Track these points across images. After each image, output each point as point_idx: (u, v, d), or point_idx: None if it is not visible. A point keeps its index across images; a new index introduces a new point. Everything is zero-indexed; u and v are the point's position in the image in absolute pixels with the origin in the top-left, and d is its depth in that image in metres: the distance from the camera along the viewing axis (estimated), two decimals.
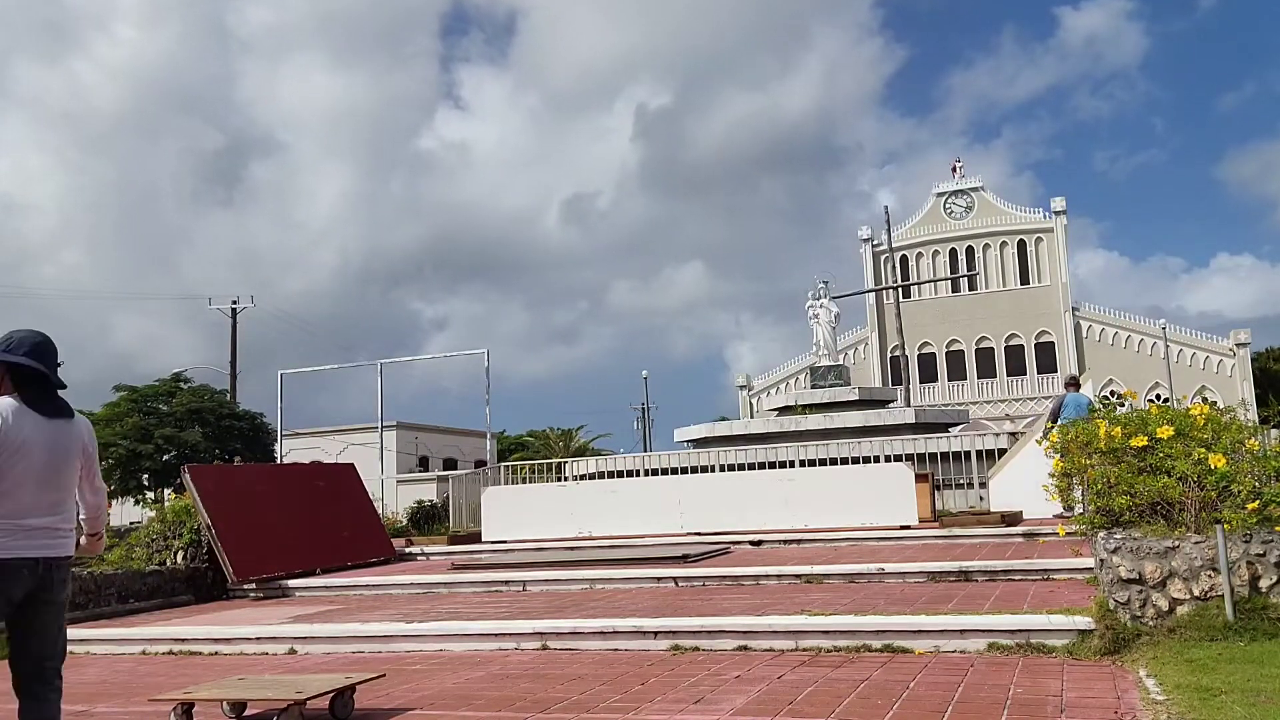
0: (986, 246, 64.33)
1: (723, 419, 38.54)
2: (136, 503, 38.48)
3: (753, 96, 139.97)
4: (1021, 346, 62.53)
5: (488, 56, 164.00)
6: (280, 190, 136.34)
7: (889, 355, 63.67)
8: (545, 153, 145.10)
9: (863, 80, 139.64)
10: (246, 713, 5.56)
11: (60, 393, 4.05)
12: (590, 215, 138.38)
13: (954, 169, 67.09)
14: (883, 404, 25.45)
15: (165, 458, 37.35)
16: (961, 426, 22.21)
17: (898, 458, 15.76)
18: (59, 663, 3.99)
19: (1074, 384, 14.34)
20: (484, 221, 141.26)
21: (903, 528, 12.73)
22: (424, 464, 50.05)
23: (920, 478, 13.65)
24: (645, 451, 31.81)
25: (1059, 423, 11.78)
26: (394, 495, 26.02)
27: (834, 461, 16.12)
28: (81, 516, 4.24)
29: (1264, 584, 6.13)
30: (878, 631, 6.74)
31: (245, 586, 11.55)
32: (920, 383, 60.84)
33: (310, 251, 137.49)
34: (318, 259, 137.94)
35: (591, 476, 19.38)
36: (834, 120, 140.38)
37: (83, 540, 4.30)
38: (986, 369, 63.25)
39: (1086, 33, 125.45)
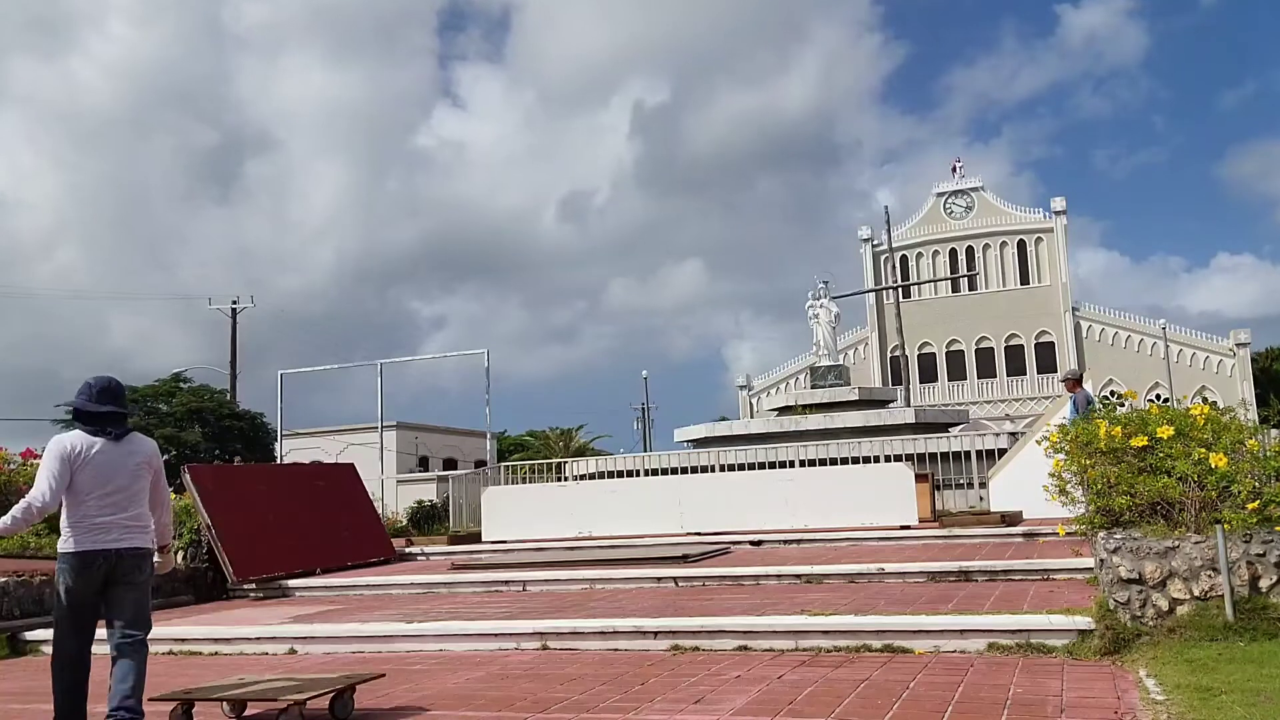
0: (986, 246, 64.37)
1: (723, 419, 38.59)
2: None
3: (751, 93, 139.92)
4: (1021, 346, 62.56)
5: (485, 54, 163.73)
6: (276, 188, 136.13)
7: (889, 355, 63.69)
8: (542, 150, 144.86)
9: (862, 77, 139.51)
10: (246, 713, 5.56)
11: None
12: (587, 213, 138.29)
13: (954, 169, 67.16)
14: (883, 404, 25.48)
15: (165, 458, 37.33)
16: (961, 426, 22.22)
17: (898, 458, 15.77)
18: (143, 633, 5.10)
19: (1078, 381, 14.00)
20: (481, 220, 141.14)
21: (903, 528, 12.73)
22: (424, 464, 50.01)
23: (920, 478, 13.65)
24: (645, 451, 31.81)
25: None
26: (394, 495, 25.99)
27: (834, 461, 16.13)
28: (153, 530, 5.19)
29: (1264, 584, 6.13)
30: (878, 631, 6.74)
31: (245, 586, 11.55)
32: (920, 383, 60.85)
33: (306, 250, 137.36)
34: (314, 257, 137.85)
35: (591, 476, 19.39)
36: (833, 117, 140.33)
37: (156, 560, 5.28)
38: (986, 369, 63.27)
39: (1087, 30, 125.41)
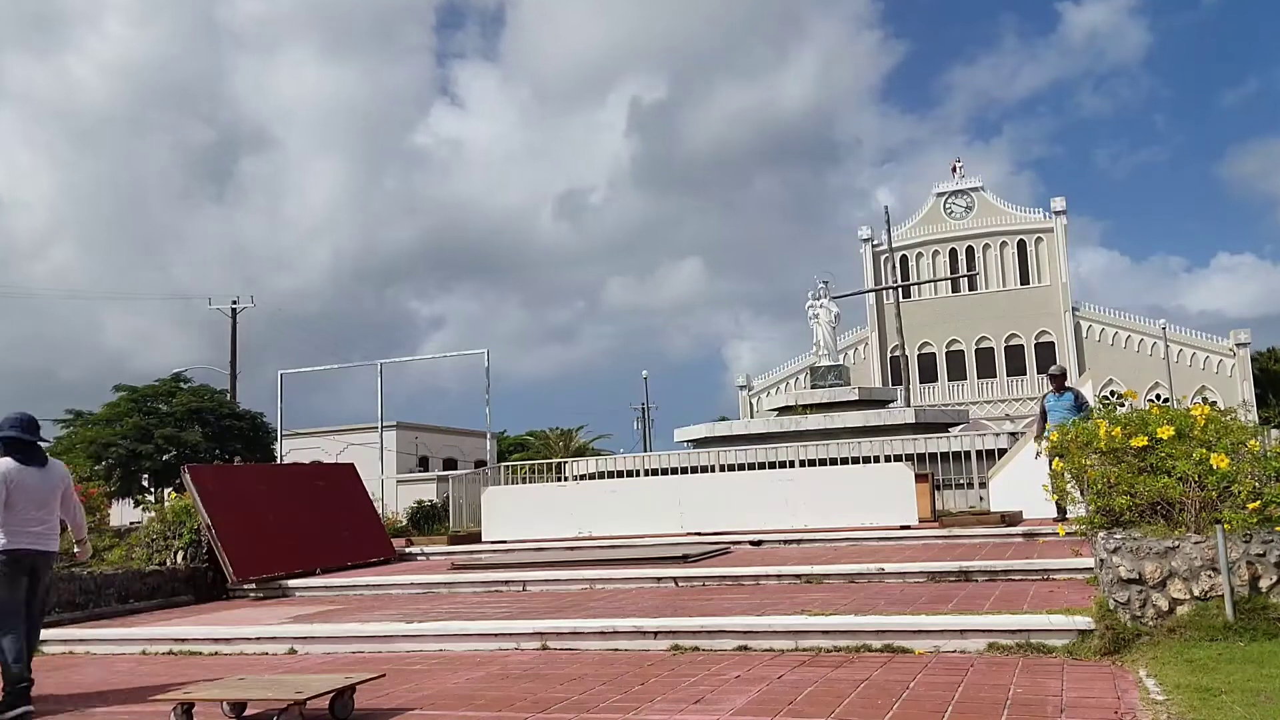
0: (986, 246, 64.39)
1: (723, 419, 38.57)
2: (136, 503, 38.46)
3: (749, 90, 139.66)
4: (1021, 346, 62.58)
5: (482, 51, 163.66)
6: (272, 186, 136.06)
7: (889, 355, 63.72)
8: (539, 148, 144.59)
9: (861, 74, 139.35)
10: (246, 713, 5.56)
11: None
12: (585, 211, 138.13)
13: (954, 169, 67.19)
14: (883, 404, 25.46)
15: (165, 458, 37.31)
16: (961, 426, 22.22)
17: (898, 458, 15.76)
18: (42, 617, 6.66)
19: (1058, 379, 12.77)
20: (479, 218, 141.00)
21: (903, 528, 12.73)
22: (424, 464, 50.06)
23: (920, 478, 13.64)
24: (645, 451, 31.82)
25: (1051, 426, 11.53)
26: (394, 495, 25.99)
27: (834, 461, 16.12)
28: (70, 532, 6.87)
29: (1264, 584, 6.13)
30: (878, 631, 6.74)
31: (245, 586, 11.55)
32: (920, 383, 60.88)
33: (303, 248, 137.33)
34: (311, 256, 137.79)
35: (591, 476, 19.39)
36: (832, 115, 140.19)
37: (75, 549, 7.01)
38: (986, 369, 63.28)
39: (1088, 28, 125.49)
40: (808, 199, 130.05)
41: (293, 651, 8.00)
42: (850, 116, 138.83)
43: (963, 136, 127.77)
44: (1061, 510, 10.69)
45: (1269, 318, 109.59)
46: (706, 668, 6.33)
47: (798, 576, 9.65)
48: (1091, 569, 7.69)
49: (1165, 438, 6.93)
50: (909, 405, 32.34)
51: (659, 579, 10.07)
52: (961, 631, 6.57)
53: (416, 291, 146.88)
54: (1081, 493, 8.15)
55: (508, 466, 20.39)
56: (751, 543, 12.83)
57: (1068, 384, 12.62)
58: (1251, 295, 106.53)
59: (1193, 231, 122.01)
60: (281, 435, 22.62)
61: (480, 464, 23.71)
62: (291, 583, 11.63)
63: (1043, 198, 73.33)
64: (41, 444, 6.65)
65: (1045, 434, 12.24)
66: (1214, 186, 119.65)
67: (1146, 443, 7.00)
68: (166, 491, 35.42)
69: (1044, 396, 12.82)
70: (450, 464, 49.07)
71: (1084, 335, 61.85)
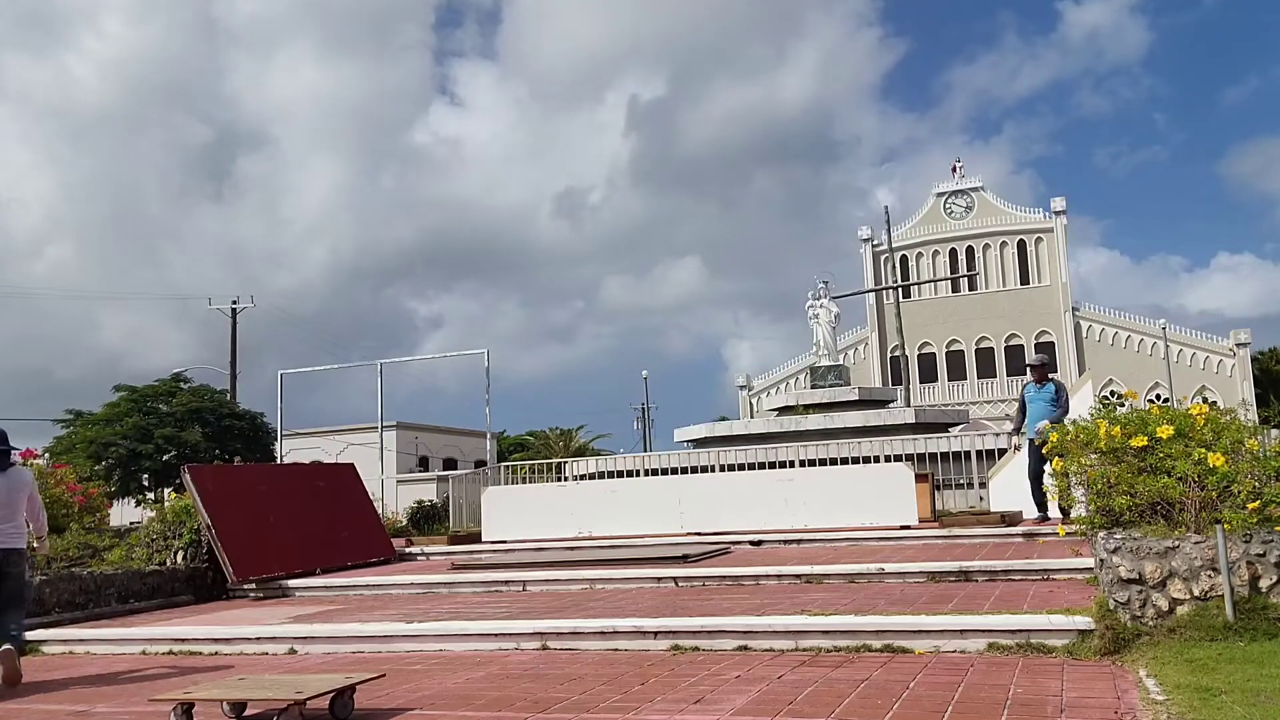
0: (986, 246, 64.44)
1: (723, 419, 38.59)
2: (137, 503, 38.47)
3: (748, 88, 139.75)
4: (1021, 346, 62.59)
5: (481, 50, 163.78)
6: (270, 185, 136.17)
7: (889, 355, 63.75)
8: (538, 147, 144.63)
9: (860, 73, 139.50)
10: (246, 713, 5.55)
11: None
12: (583, 210, 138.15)
13: (954, 169, 67.27)
14: (883, 404, 25.49)
15: (165, 458, 37.34)
16: (961, 426, 22.23)
17: (898, 458, 15.77)
18: (18, 604, 7.27)
19: (1039, 370, 12.39)
20: (478, 217, 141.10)
21: (903, 528, 12.73)
22: (424, 464, 50.12)
23: (920, 478, 13.64)
24: (645, 451, 31.84)
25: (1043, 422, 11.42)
26: (394, 495, 26.02)
27: (834, 461, 16.13)
28: (32, 530, 7.47)
29: (1264, 584, 6.13)
30: (878, 631, 6.73)
31: (245, 586, 11.55)
32: (920, 383, 60.93)
33: (301, 247, 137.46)
34: (309, 255, 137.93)
35: (591, 476, 19.40)
36: (831, 114, 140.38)
37: (35, 544, 7.64)
38: (986, 369, 63.32)
39: (1089, 27, 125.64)
40: (807, 198, 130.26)
41: (293, 651, 8.00)
42: (850, 115, 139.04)
43: (963, 136, 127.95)
44: (1063, 510, 10.71)
45: (1269, 318, 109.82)
46: (706, 668, 6.33)
47: (798, 576, 9.65)
48: (1091, 569, 7.69)
49: (1165, 437, 6.93)
50: (909, 405, 32.38)
51: (659, 579, 10.07)
52: (961, 631, 6.57)
53: (415, 291, 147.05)
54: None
55: (508, 466, 20.39)
56: (751, 543, 12.83)
57: (1050, 376, 12.56)
58: (1251, 295, 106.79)
59: (1193, 231, 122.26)
60: (281, 435, 22.62)
61: (480, 464, 23.72)
62: (291, 583, 11.63)
63: (1043, 197, 73.46)
64: (14, 451, 7.46)
65: (1023, 427, 12.27)
66: (1214, 186, 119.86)
67: (1146, 442, 7.00)
68: (166, 491, 35.46)
69: (1024, 387, 12.74)
70: (450, 464, 49.13)
71: (1084, 335, 61.89)
